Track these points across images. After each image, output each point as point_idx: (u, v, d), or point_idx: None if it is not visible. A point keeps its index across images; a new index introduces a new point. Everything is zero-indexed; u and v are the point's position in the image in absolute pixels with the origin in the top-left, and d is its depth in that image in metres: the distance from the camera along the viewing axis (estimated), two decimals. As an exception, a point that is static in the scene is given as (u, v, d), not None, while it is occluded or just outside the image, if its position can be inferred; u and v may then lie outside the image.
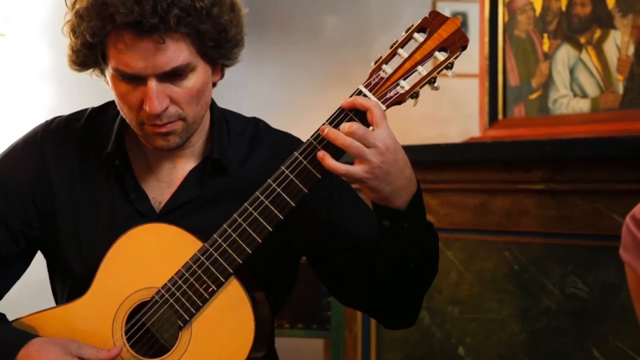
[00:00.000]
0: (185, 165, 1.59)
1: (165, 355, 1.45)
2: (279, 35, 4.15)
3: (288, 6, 4.21)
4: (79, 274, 1.55)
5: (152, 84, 1.44)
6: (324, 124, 1.39)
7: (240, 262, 1.43)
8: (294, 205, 1.41)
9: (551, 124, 2.58)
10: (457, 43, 1.40)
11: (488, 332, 2.41)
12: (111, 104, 1.62)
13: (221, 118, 1.62)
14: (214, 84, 1.56)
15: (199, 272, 1.43)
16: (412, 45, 1.41)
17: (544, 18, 2.63)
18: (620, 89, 2.38)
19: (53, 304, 1.64)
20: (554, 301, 2.24)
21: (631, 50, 2.35)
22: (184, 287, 1.44)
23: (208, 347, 1.44)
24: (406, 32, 1.41)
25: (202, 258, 1.44)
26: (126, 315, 1.48)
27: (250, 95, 3.93)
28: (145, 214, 1.56)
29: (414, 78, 1.40)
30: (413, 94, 1.40)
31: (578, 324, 2.19)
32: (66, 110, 1.68)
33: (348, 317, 2.78)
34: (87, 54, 1.48)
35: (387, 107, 1.40)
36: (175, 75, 1.44)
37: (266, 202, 1.41)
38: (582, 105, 2.51)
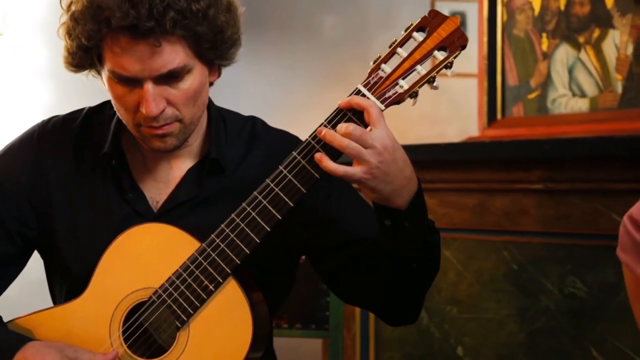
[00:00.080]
0: (182, 165, 1.58)
1: (163, 356, 1.45)
2: (277, 35, 4.15)
3: (286, 6, 4.20)
4: (77, 274, 1.54)
5: (149, 86, 1.43)
6: (322, 124, 1.39)
7: (238, 262, 1.42)
8: (292, 205, 1.40)
9: (550, 124, 2.58)
10: (456, 42, 1.40)
11: (486, 332, 2.41)
12: (108, 103, 1.61)
13: (218, 117, 1.61)
14: (211, 84, 1.55)
15: (197, 272, 1.43)
16: (411, 45, 1.41)
17: (543, 18, 2.63)
18: (619, 88, 2.38)
19: (51, 303, 1.64)
20: (552, 301, 2.23)
21: (630, 49, 2.35)
22: (182, 287, 1.43)
23: (206, 347, 1.44)
24: (405, 31, 1.41)
25: (200, 258, 1.43)
26: (123, 315, 1.47)
27: (249, 95, 3.93)
28: (143, 213, 1.55)
29: (413, 77, 1.40)
30: (412, 93, 1.40)
31: (577, 324, 2.18)
32: (64, 110, 1.68)
33: (346, 317, 2.77)
34: (83, 57, 1.47)
35: (386, 106, 1.40)
36: (171, 77, 1.44)
37: (264, 202, 1.41)
38: (581, 105, 2.50)
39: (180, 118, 1.48)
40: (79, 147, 1.60)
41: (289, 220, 1.43)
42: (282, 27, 4.18)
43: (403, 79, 1.39)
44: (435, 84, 1.40)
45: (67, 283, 1.59)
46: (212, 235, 1.43)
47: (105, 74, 1.47)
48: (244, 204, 1.42)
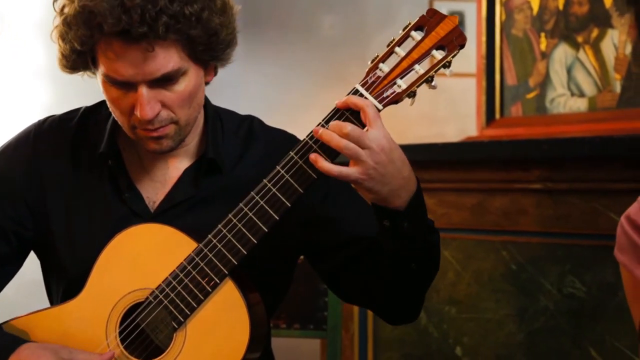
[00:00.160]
0: (179, 165, 1.58)
1: (160, 357, 1.44)
2: (276, 35, 4.14)
3: (285, 6, 4.20)
4: (73, 274, 1.53)
5: (143, 90, 1.42)
6: (319, 124, 1.38)
7: (235, 262, 1.41)
8: (289, 205, 1.40)
9: (549, 123, 2.58)
10: (454, 41, 1.39)
11: (485, 332, 2.40)
12: (104, 103, 1.60)
13: (215, 117, 1.61)
14: (207, 83, 1.54)
15: (194, 272, 1.42)
16: (409, 44, 1.40)
17: (541, 17, 2.63)
18: (618, 88, 2.38)
19: (48, 303, 1.64)
20: (551, 301, 2.23)
21: (628, 49, 2.35)
22: (179, 288, 1.43)
23: (203, 348, 1.43)
24: (403, 30, 1.40)
25: (197, 259, 1.42)
26: (120, 316, 1.47)
27: (247, 94, 3.92)
28: (140, 213, 1.55)
29: (411, 77, 1.39)
30: (410, 93, 1.39)
31: (575, 324, 2.18)
32: (62, 109, 1.67)
33: (345, 317, 2.77)
34: (77, 60, 1.47)
35: (384, 106, 1.39)
36: (166, 80, 1.43)
37: (261, 202, 1.40)
38: (580, 105, 2.50)
39: (176, 120, 1.47)
40: (76, 147, 1.60)
41: (286, 221, 1.43)
42: (281, 26, 4.17)
43: (401, 78, 1.39)
44: (433, 83, 1.39)
45: (63, 283, 1.58)
46: (209, 236, 1.42)
47: (100, 76, 1.47)
48: (241, 205, 1.41)
